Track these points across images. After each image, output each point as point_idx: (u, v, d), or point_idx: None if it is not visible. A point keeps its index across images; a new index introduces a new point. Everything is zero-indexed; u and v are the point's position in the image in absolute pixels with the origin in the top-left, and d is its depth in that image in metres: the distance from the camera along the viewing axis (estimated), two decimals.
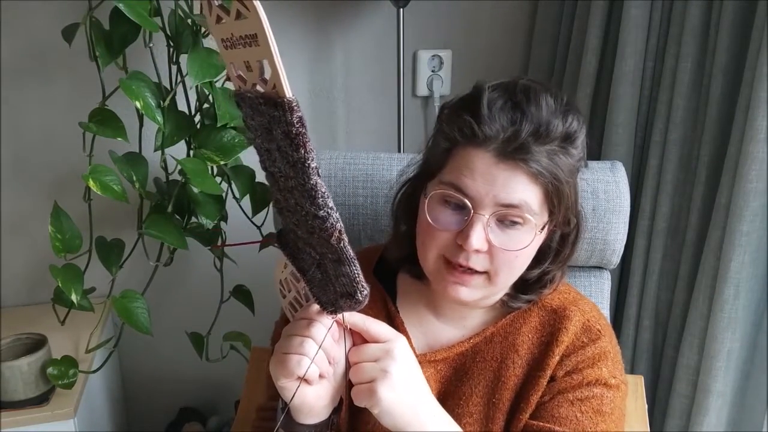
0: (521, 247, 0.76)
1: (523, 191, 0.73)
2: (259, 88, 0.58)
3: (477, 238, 0.73)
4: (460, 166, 0.75)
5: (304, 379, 0.69)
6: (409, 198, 0.85)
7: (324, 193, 0.58)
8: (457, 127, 0.75)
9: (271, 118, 0.57)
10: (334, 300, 0.68)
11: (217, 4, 0.57)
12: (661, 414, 1.39)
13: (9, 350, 1.31)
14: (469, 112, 0.74)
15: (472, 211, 0.74)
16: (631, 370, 1.43)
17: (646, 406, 1.15)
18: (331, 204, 0.59)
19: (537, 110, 0.73)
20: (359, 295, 0.65)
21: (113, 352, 1.46)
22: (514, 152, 0.72)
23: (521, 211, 0.74)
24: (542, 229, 0.77)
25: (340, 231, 0.60)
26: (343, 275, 0.65)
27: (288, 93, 0.54)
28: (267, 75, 0.56)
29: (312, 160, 0.57)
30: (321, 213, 0.59)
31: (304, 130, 0.56)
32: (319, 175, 0.58)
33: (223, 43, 0.59)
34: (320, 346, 0.68)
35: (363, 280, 0.65)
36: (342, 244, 0.62)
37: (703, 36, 1.23)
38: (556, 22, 1.55)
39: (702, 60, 1.24)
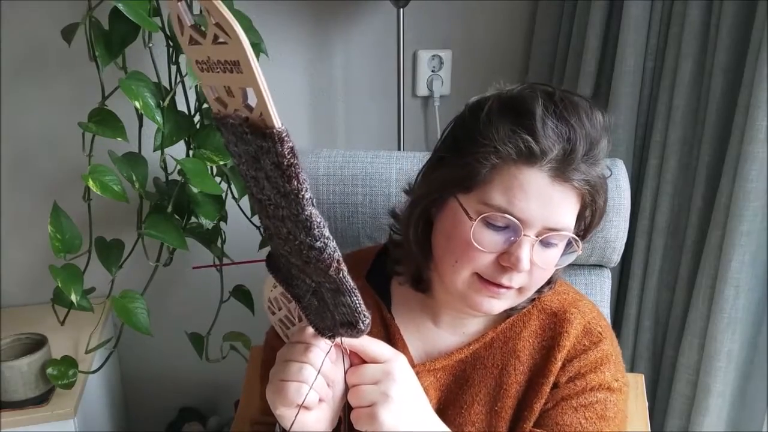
0: (556, 263, 0.75)
1: (571, 212, 0.72)
2: (241, 113, 0.53)
3: (526, 261, 0.71)
4: (512, 186, 0.70)
5: (303, 407, 0.66)
6: (425, 211, 0.79)
7: (320, 223, 0.55)
8: (512, 144, 0.69)
9: (258, 147, 0.52)
10: (333, 327, 0.65)
11: (189, 25, 0.52)
12: (661, 414, 1.39)
13: (9, 350, 1.31)
14: (524, 128, 0.69)
15: (522, 233, 0.70)
16: (631, 370, 1.43)
17: (647, 404, 1.15)
18: (327, 234, 0.55)
19: (590, 128, 0.70)
20: (361, 324, 0.62)
21: (113, 352, 1.46)
22: (570, 173, 0.70)
23: (565, 232, 0.72)
24: (580, 246, 0.75)
25: (338, 261, 0.57)
26: (343, 305, 0.62)
27: (277, 123, 0.50)
28: (251, 101, 0.51)
29: (306, 191, 0.53)
30: (317, 244, 0.55)
31: (296, 161, 0.51)
32: (313, 205, 0.54)
33: (199, 65, 0.54)
34: (319, 372, 0.66)
35: (365, 309, 0.62)
36: (341, 275, 0.58)
37: (703, 36, 1.23)
38: (556, 22, 1.55)
39: (702, 60, 1.24)
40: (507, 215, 0.70)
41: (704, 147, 1.23)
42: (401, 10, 1.44)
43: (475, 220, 0.71)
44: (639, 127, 1.39)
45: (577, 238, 0.74)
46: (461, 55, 1.62)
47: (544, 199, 0.70)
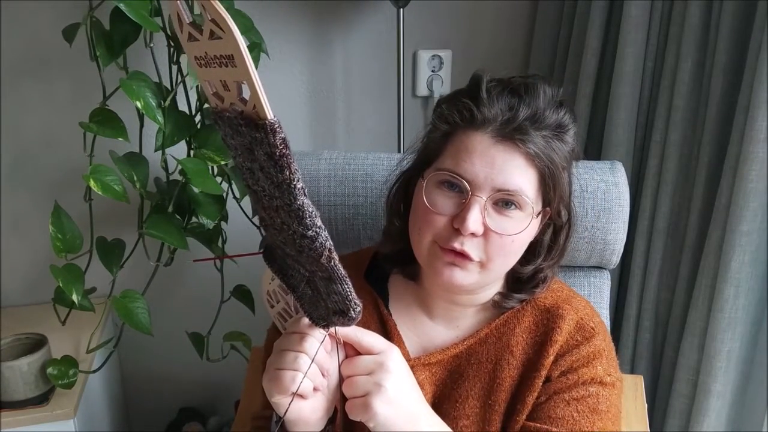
0: (516, 231, 0.76)
1: (520, 175, 0.74)
2: (236, 107, 0.56)
3: (474, 221, 0.73)
4: (459, 149, 0.75)
5: (298, 395, 0.68)
6: (404, 191, 0.85)
7: (312, 212, 0.57)
8: (456, 111, 0.77)
9: (252, 139, 0.55)
10: (326, 316, 0.67)
11: (188, 22, 0.55)
12: (661, 414, 1.39)
13: (9, 350, 1.31)
14: (468, 96, 0.77)
15: (470, 193, 0.74)
16: (631, 370, 1.43)
17: (646, 406, 1.15)
18: (319, 223, 0.58)
19: (534, 97, 0.75)
20: (352, 312, 0.65)
21: (113, 352, 1.46)
22: (511, 133, 0.74)
23: (518, 195, 0.74)
24: (538, 215, 0.78)
25: (329, 250, 0.59)
26: (335, 293, 0.64)
27: (269, 115, 0.53)
28: (246, 95, 0.54)
29: (298, 180, 0.55)
30: (309, 233, 0.58)
31: (287, 152, 0.54)
32: (305, 195, 0.56)
33: (197, 61, 0.57)
34: (313, 361, 0.67)
35: (356, 297, 0.64)
36: (332, 263, 0.60)
37: (703, 36, 1.23)
38: (556, 22, 1.55)
39: (702, 60, 1.24)
40: (453, 174, 0.75)
41: (704, 147, 1.23)
42: (401, 10, 1.44)
43: (425, 180, 0.77)
44: (639, 128, 1.39)
45: (527, 200, 0.75)
46: (461, 55, 1.62)
47: (488, 159, 0.74)
